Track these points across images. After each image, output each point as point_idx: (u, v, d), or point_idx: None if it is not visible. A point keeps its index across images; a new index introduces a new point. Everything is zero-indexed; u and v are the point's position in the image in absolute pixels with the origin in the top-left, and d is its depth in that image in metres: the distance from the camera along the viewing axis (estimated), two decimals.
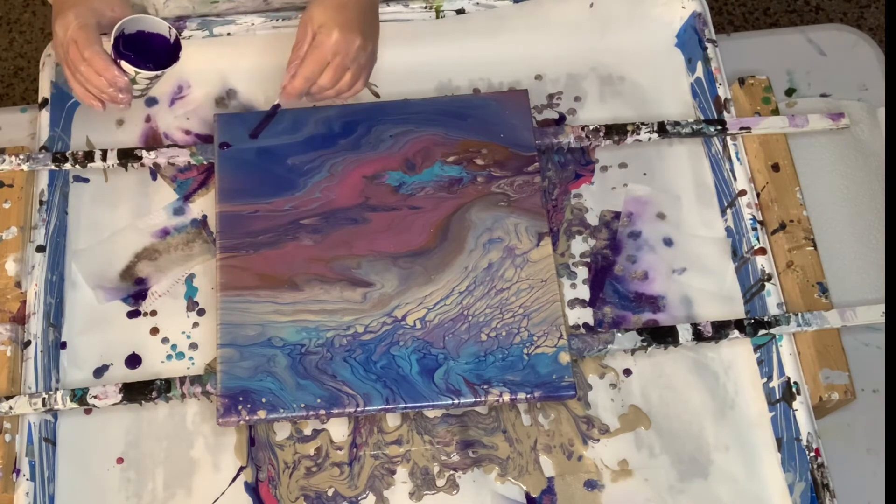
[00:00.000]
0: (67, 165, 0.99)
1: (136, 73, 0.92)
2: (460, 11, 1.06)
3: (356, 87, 0.97)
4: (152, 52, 0.93)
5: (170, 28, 0.94)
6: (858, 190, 1.04)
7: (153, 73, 0.93)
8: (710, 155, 1.04)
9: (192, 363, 0.94)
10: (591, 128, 1.01)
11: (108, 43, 0.92)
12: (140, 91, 0.96)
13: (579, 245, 1.00)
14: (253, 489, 0.90)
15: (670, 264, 0.99)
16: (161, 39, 0.95)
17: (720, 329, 0.92)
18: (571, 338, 0.92)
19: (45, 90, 1.03)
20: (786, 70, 1.12)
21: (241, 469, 0.90)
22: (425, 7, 1.06)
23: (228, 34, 1.05)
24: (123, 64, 0.91)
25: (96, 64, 0.90)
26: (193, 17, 1.05)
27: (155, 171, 1.03)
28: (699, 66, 1.06)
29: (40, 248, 0.95)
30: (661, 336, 0.92)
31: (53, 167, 0.99)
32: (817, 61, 1.13)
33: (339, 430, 0.92)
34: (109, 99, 0.94)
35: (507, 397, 0.88)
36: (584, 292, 0.98)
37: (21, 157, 0.98)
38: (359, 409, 0.88)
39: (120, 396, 0.89)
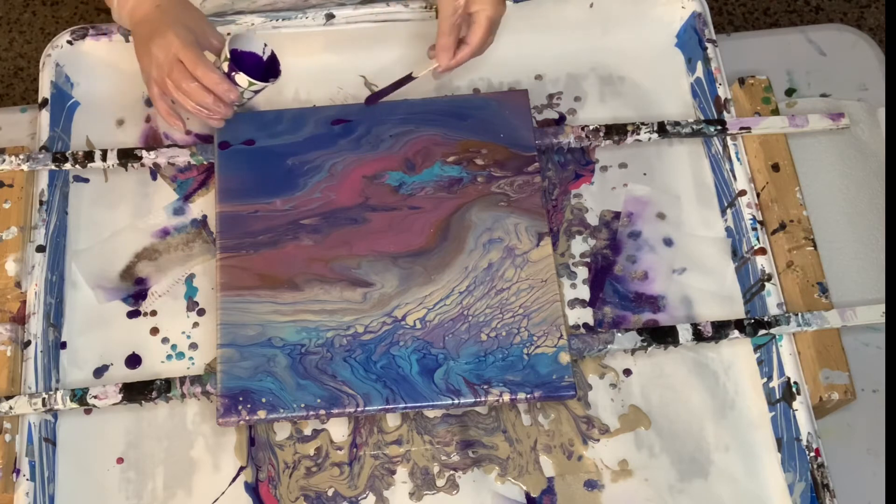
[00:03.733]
0: (67, 165, 0.99)
1: (251, 83, 0.93)
2: None
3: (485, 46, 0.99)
4: (243, 68, 0.94)
5: (265, 45, 0.96)
6: (858, 190, 1.04)
7: (262, 86, 0.94)
8: (710, 155, 1.04)
9: (192, 363, 0.94)
10: (591, 128, 1.01)
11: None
12: (237, 106, 0.97)
13: (579, 245, 1.00)
14: (253, 489, 0.90)
15: (670, 264, 0.99)
16: (251, 57, 0.96)
17: (720, 329, 0.92)
18: (571, 338, 0.92)
19: (45, 90, 1.03)
20: (786, 70, 1.12)
21: (241, 469, 0.90)
22: (425, 7, 1.06)
23: (228, 34, 1.05)
24: (239, 77, 0.92)
25: (209, 79, 0.91)
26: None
27: (155, 171, 1.03)
28: (699, 66, 1.06)
29: (40, 248, 0.95)
30: (661, 336, 0.92)
31: (53, 167, 0.99)
32: (817, 61, 1.13)
33: (339, 430, 0.92)
34: (209, 115, 0.95)
35: (507, 397, 0.88)
36: (584, 292, 0.98)
37: (21, 157, 0.98)
38: (359, 409, 0.88)
39: (120, 396, 0.89)
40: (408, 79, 1.00)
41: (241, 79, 0.93)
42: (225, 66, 0.93)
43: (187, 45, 0.91)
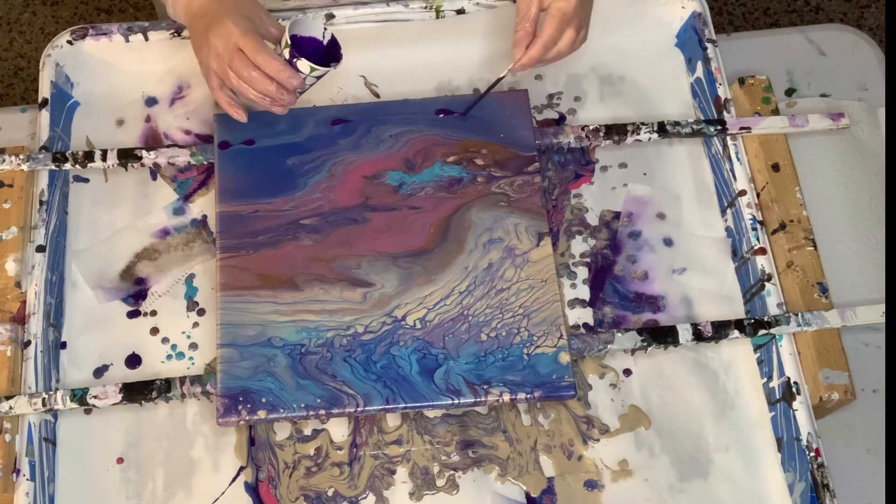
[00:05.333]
0: (67, 165, 0.99)
1: (312, 69, 0.91)
2: (460, 11, 1.06)
3: (586, 39, 0.97)
4: (304, 54, 0.93)
5: (325, 29, 0.95)
6: (858, 190, 1.04)
7: (324, 71, 0.93)
8: (710, 155, 1.04)
9: (192, 363, 0.94)
10: (591, 128, 1.01)
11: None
12: (299, 93, 0.96)
13: (579, 245, 1.00)
14: (253, 489, 0.90)
15: (670, 264, 0.99)
16: (311, 42, 0.95)
17: (720, 329, 0.92)
18: (571, 338, 0.92)
19: (45, 90, 1.03)
20: (786, 70, 1.12)
21: (241, 469, 0.90)
22: (425, 7, 1.06)
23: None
24: (300, 63, 0.91)
25: (271, 67, 0.90)
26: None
27: (155, 171, 1.03)
28: (699, 66, 1.06)
29: (40, 248, 0.95)
30: (661, 336, 0.92)
31: (53, 167, 0.99)
32: (817, 61, 1.13)
33: (339, 430, 0.92)
34: (272, 103, 0.94)
35: (507, 397, 0.88)
36: (584, 292, 0.98)
37: (21, 157, 0.98)
38: (359, 409, 0.88)
39: (120, 396, 0.89)
40: (497, 81, 0.98)
41: (303, 65, 0.91)
42: (286, 53, 0.91)
43: (247, 34, 0.90)
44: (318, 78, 0.94)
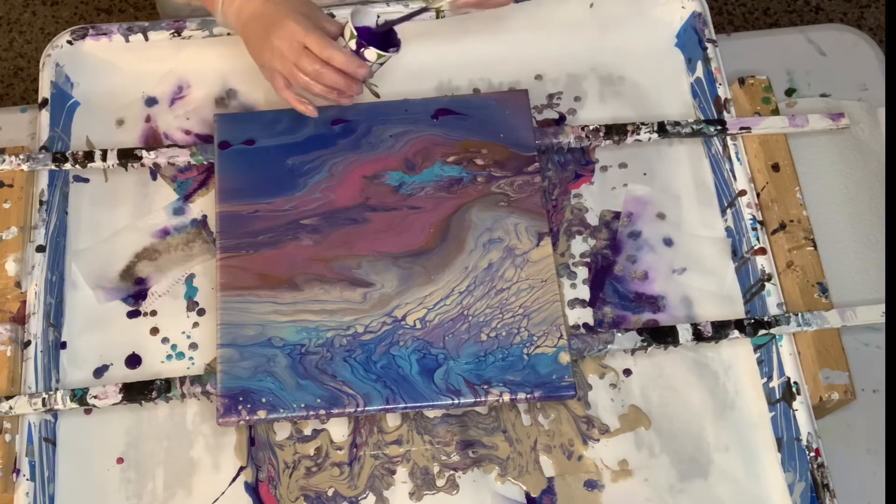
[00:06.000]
0: (67, 165, 0.99)
1: (379, 56, 0.92)
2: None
3: None
4: (369, 43, 0.93)
5: (377, 16, 0.95)
6: (858, 190, 1.04)
7: (388, 56, 0.93)
8: (710, 155, 1.04)
9: (192, 363, 0.94)
10: (591, 128, 1.01)
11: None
12: (368, 76, 0.95)
13: (579, 245, 1.00)
14: (253, 489, 0.90)
15: (670, 264, 0.99)
16: (367, 31, 0.95)
17: (720, 329, 0.92)
18: (571, 338, 0.92)
19: (45, 90, 1.03)
20: (786, 70, 1.12)
21: (241, 469, 0.90)
22: (426, 7, 1.05)
23: (228, 34, 1.05)
24: (368, 52, 0.92)
25: (339, 59, 0.90)
26: (194, 17, 1.05)
27: (155, 171, 1.03)
28: (699, 66, 1.06)
29: (40, 248, 0.95)
30: (661, 336, 0.92)
31: (53, 167, 0.99)
32: (817, 61, 1.13)
33: (339, 430, 0.92)
34: (340, 95, 0.94)
35: (507, 397, 0.88)
36: (584, 292, 0.98)
37: (21, 157, 0.98)
38: (359, 409, 0.88)
39: (120, 396, 0.89)
40: (423, 10, 0.97)
41: (370, 53, 0.92)
42: (353, 44, 0.92)
43: (310, 31, 0.90)
44: (382, 64, 0.94)
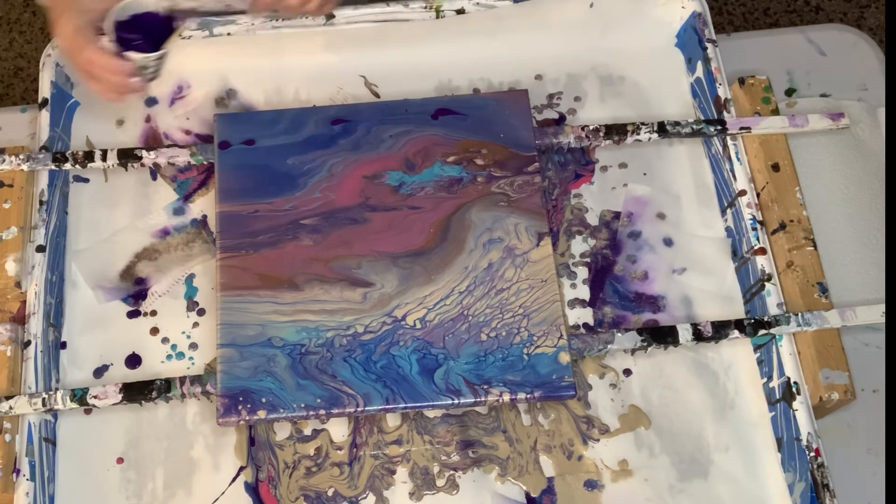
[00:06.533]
0: (67, 165, 0.99)
1: (145, 58, 0.90)
2: (460, 11, 1.06)
3: (325, 8, 0.98)
4: (155, 30, 0.91)
5: (157, 2, 0.91)
6: (858, 190, 1.04)
7: (157, 55, 0.90)
8: (710, 155, 1.04)
9: (192, 363, 0.94)
10: (591, 128, 1.01)
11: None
12: (152, 73, 0.93)
13: (579, 245, 1.00)
14: (253, 489, 0.90)
15: (670, 264, 0.99)
16: (156, 17, 0.92)
17: (720, 329, 0.92)
18: (571, 338, 0.92)
19: (45, 90, 1.03)
20: (786, 70, 1.12)
21: (241, 469, 0.90)
22: (425, 7, 1.06)
23: (228, 34, 1.05)
24: (129, 54, 0.89)
25: (98, 63, 0.89)
26: (193, 17, 1.05)
27: (155, 171, 1.03)
28: (699, 66, 1.06)
29: (40, 248, 0.95)
30: (661, 336, 0.92)
31: (53, 167, 0.99)
32: (817, 61, 1.13)
33: (339, 430, 0.92)
34: (122, 92, 0.92)
35: (507, 397, 0.88)
36: (584, 292, 0.98)
37: (21, 157, 0.98)
38: (359, 409, 0.88)
39: (120, 396, 0.89)
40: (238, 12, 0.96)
41: (130, 56, 0.89)
42: (111, 45, 0.89)
43: (76, 31, 0.87)
44: (159, 59, 0.91)
